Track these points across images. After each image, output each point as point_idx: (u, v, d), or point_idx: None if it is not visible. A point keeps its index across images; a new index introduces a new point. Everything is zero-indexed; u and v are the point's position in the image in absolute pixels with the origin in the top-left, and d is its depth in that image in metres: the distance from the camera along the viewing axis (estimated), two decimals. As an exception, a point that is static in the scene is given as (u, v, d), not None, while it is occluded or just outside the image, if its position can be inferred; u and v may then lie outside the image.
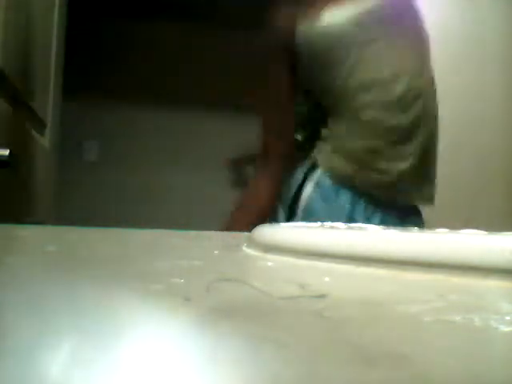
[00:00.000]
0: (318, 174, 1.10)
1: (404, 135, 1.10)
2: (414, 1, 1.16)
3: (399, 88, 1.09)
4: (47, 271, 0.25)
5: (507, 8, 1.97)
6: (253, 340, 0.13)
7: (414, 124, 1.12)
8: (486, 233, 0.27)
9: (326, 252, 0.29)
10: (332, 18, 1.07)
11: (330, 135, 1.11)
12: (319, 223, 0.41)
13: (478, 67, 1.97)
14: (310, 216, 1.06)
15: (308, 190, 1.09)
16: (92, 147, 3.43)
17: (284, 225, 0.38)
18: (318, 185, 1.09)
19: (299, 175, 1.11)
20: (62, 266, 0.27)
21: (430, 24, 1.61)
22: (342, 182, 1.09)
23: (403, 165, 1.10)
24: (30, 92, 1.03)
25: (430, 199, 1.19)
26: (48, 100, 1.23)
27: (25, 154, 0.94)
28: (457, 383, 0.10)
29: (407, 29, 1.15)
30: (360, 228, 0.34)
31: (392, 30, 1.11)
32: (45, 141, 1.23)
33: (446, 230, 0.29)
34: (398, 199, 1.12)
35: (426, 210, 1.84)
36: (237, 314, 0.16)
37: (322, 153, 1.11)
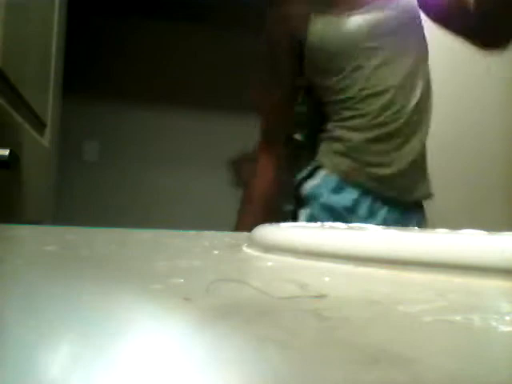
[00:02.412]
0: (322, 173, 1.12)
1: (404, 133, 1.11)
2: (420, 12, 1.18)
3: (397, 98, 1.11)
4: (47, 271, 0.25)
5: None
6: (253, 340, 0.13)
7: (413, 123, 1.13)
8: (485, 233, 0.27)
9: (325, 252, 0.29)
10: (344, 24, 1.08)
11: (332, 135, 1.12)
12: (319, 223, 0.41)
13: (479, 68, 1.97)
14: (315, 200, 1.08)
15: (314, 181, 1.12)
16: (92, 147, 3.43)
17: (284, 225, 0.38)
18: (323, 180, 1.11)
19: (304, 174, 1.14)
20: (61, 266, 0.27)
21: (429, 22, 1.60)
22: (347, 179, 1.10)
23: (404, 160, 1.12)
24: (30, 92, 1.03)
25: (428, 194, 1.22)
26: (48, 100, 1.23)
27: (25, 154, 0.94)
28: (457, 383, 0.10)
29: (412, 40, 1.17)
30: (360, 228, 0.34)
31: (399, 40, 1.13)
32: (45, 141, 1.23)
33: (446, 230, 0.29)
34: (401, 194, 1.14)
35: (426, 210, 1.84)
36: (237, 313, 0.16)
37: (325, 154, 1.13)
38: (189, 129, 3.33)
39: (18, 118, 0.95)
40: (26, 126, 1.01)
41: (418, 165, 1.18)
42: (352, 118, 1.11)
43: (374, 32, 1.09)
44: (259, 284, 0.22)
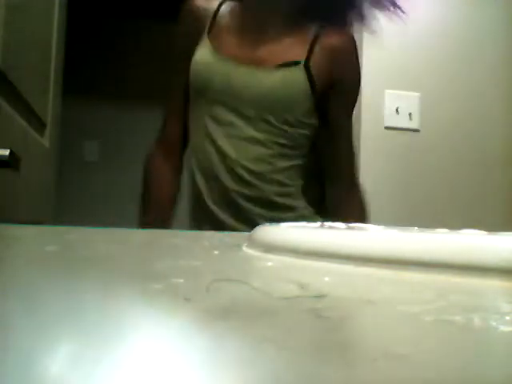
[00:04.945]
0: None
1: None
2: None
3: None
4: (47, 271, 0.25)
5: (507, 7, 1.97)
6: (252, 340, 0.13)
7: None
8: (485, 233, 0.27)
9: (325, 252, 0.29)
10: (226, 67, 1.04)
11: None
12: (319, 223, 0.41)
13: (479, 67, 1.97)
14: None
15: None
16: (92, 147, 3.43)
17: (284, 225, 0.38)
18: None
19: None
20: (62, 266, 0.27)
21: (429, 23, 1.61)
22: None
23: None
24: (30, 92, 1.03)
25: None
26: (48, 100, 1.23)
27: (25, 154, 0.94)
28: (456, 383, 0.10)
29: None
30: (360, 228, 0.34)
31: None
32: (45, 141, 1.23)
33: (446, 230, 0.29)
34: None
35: (426, 210, 1.85)
36: (237, 314, 0.16)
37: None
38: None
39: (18, 118, 0.95)
40: (26, 126, 1.01)
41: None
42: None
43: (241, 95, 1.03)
44: (259, 284, 0.22)
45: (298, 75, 1.05)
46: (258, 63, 1.05)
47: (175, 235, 0.55)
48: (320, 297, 0.19)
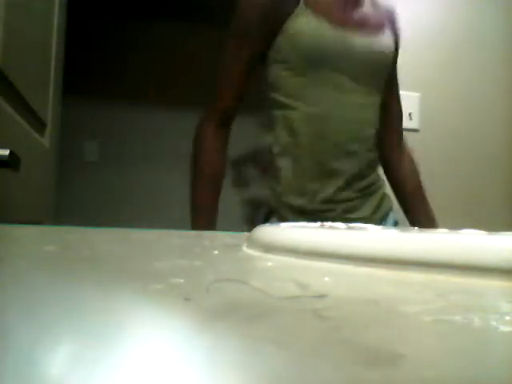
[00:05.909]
0: (275, 220, 1.09)
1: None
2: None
3: (341, 126, 1.08)
4: (47, 271, 0.25)
5: (507, 7, 1.97)
6: (253, 340, 0.13)
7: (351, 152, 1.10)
8: (485, 233, 0.27)
9: (325, 252, 0.29)
10: (323, 31, 1.05)
11: (281, 174, 1.10)
12: (319, 223, 0.41)
13: (479, 67, 1.97)
14: None
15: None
16: (92, 147, 3.43)
17: (284, 225, 0.38)
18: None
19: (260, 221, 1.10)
20: (62, 266, 0.27)
21: (429, 23, 1.61)
22: (298, 215, 1.07)
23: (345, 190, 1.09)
24: (30, 92, 1.03)
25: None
26: (48, 100, 1.23)
27: (25, 154, 0.94)
28: (456, 383, 0.10)
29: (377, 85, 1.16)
30: (360, 228, 0.34)
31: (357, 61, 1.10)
32: (45, 141, 1.23)
33: (446, 230, 0.29)
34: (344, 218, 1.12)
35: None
36: (237, 314, 0.16)
37: (276, 197, 1.10)
38: (189, 129, 3.33)
39: (18, 118, 0.95)
40: (26, 126, 1.01)
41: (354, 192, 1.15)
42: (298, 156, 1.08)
43: (345, 44, 1.06)
44: (259, 284, 0.22)
45: (390, 39, 1.15)
46: (365, 29, 1.10)
47: (175, 235, 0.55)
48: (320, 297, 0.19)
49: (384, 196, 1.18)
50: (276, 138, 1.11)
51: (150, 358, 0.12)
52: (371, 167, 1.14)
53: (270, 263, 0.30)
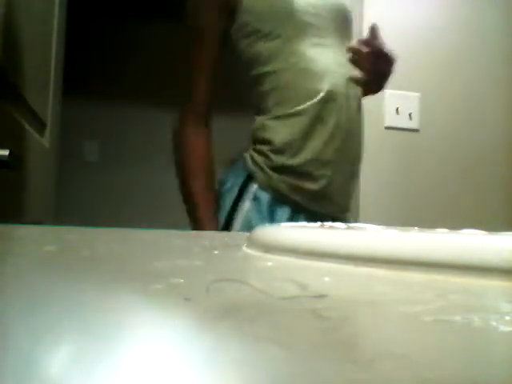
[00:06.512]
0: (254, 188, 1.06)
1: (336, 146, 1.08)
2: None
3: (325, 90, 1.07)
4: (47, 271, 0.25)
5: (507, 7, 1.97)
6: (252, 340, 0.13)
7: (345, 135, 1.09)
8: (485, 233, 0.27)
9: (325, 252, 0.29)
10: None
11: (269, 150, 1.07)
12: (319, 223, 0.41)
13: (479, 67, 1.97)
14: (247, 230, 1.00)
15: (246, 205, 1.05)
16: (92, 147, 3.43)
17: (284, 225, 0.38)
18: (255, 200, 1.05)
19: (235, 188, 1.07)
20: (61, 266, 0.27)
21: (429, 23, 1.61)
22: (281, 198, 1.05)
23: (338, 176, 1.08)
24: (30, 92, 1.03)
25: (348, 210, 1.17)
26: (48, 100, 1.23)
27: (25, 154, 0.94)
28: (456, 383, 0.10)
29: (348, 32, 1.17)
30: (360, 228, 0.34)
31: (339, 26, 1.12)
32: (45, 141, 1.23)
33: (446, 230, 0.29)
34: (332, 211, 1.09)
35: (426, 210, 1.85)
36: (237, 314, 0.16)
37: (260, 169, 1.07)
38: (189, 129, 3.33)
39: (18, 118, 0.95)
40: (26, 126, 1.01)
41: (349, 180, 1.13)
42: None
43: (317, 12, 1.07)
44: (259, 284, 0.22)
45: None
46: None
47: (175, 235, 0.55)
48: (320, 297, 0.19)
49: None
50: (266, 106, 1.09)
51: (150, 358, 0.12)
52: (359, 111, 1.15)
53: (269, 263, 0.30)
